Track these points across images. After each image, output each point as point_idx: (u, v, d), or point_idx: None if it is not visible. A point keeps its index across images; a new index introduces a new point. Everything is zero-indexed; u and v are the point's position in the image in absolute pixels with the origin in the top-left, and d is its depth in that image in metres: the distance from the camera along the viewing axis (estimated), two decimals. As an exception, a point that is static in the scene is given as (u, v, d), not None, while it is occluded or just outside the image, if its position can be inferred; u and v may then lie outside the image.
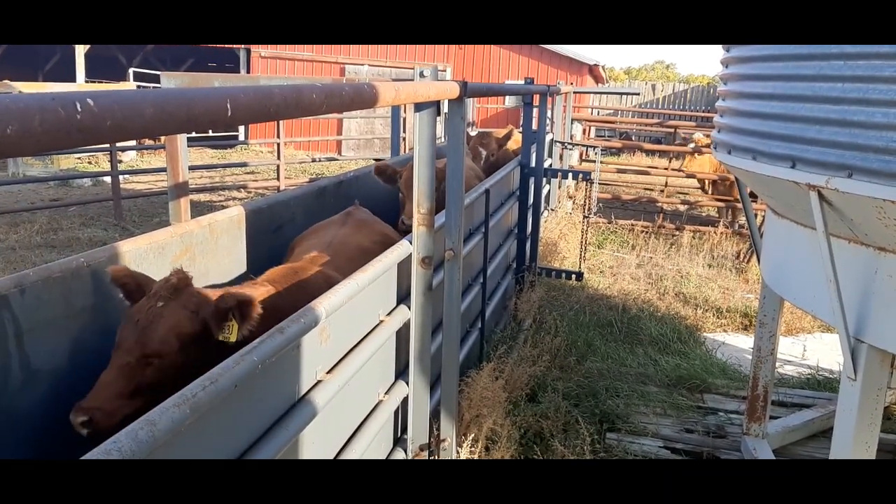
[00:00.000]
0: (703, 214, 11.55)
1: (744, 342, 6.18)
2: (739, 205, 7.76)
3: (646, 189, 12.25)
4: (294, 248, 3.58)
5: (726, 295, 7.41)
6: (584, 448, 3.79)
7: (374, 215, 4.13)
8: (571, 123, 12.78)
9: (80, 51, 18.67)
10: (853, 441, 2.79)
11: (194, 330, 2.20)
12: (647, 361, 5.52)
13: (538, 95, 7.36)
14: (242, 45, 21.27)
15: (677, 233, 9.91)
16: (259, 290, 2.64)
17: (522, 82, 7.26)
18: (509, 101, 21.44)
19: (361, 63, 21.73)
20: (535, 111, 7.54)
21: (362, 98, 1.89)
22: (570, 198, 11.22)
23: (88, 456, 1.17)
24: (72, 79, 18.66)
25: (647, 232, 10.03)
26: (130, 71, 18.94)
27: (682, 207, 11.10)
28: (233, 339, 2.20)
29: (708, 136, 10.33)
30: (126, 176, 11.83)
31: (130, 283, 2.28)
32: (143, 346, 2.12)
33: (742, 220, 9.93)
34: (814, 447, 4.25)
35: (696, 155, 10.56)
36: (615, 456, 4.00)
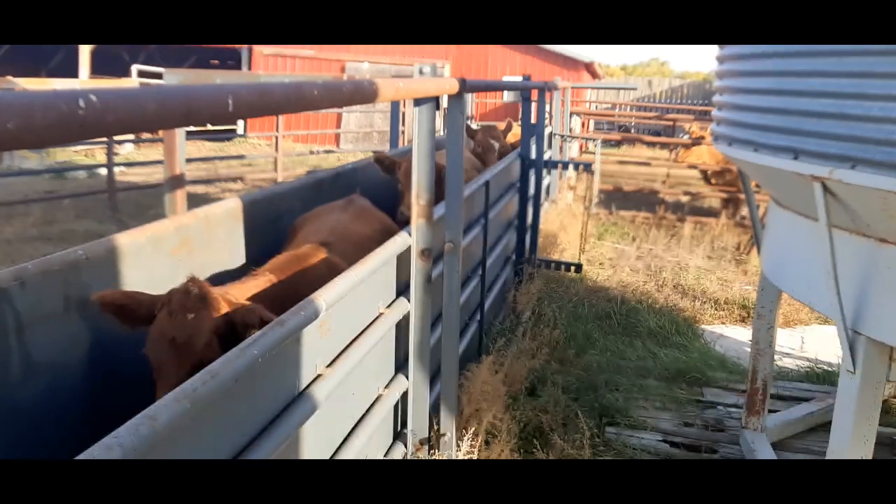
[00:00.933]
0: (706, 206, 11.51)
1: (742, 334, 6.18)
2: (742, 195, 7.75)
3: (647, 181, 12.21)
4: (297, 231, 3.59)
5: (724, 286, 7.42)
6: (583, 443, 3.78)
7: (373, 206, 4.16)
8: (570, 117, 12.75)
9: (85, 48, 18.59)
10: (851, 435, 2.79)
11: (227, 332, 2.21)
12: (646, 354, 5.52)
13: (536, 91, 7.35)
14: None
15: (678, 224, 9.88)
16: (260, 281, 2.66)
17: (521, 79, 7.26)
18: (507, 96, 21.43)
19: (362, 60, 21.73)
20: (534, 105, 7.53)
21: (363, 95, 1.89)
22: (572, 188, 11.16)
23: (86, 454, 1.16)
24: (75, 75, 18.63)
25: (648, 223, 10.00)
26: (134, 68, 18.83)
27: (684, 198, 11.06)
28: None
29: (703, 128, 10.30)
30: (122, 168, 11.78)
31: (127, 304, 2.17)
32: (192, 357, 2.09)
33: (745, 211, 9.91)
34: (812, 440, 4.26)
35: (691, 148, 10.53)
36: (614, 450, 4.00)
